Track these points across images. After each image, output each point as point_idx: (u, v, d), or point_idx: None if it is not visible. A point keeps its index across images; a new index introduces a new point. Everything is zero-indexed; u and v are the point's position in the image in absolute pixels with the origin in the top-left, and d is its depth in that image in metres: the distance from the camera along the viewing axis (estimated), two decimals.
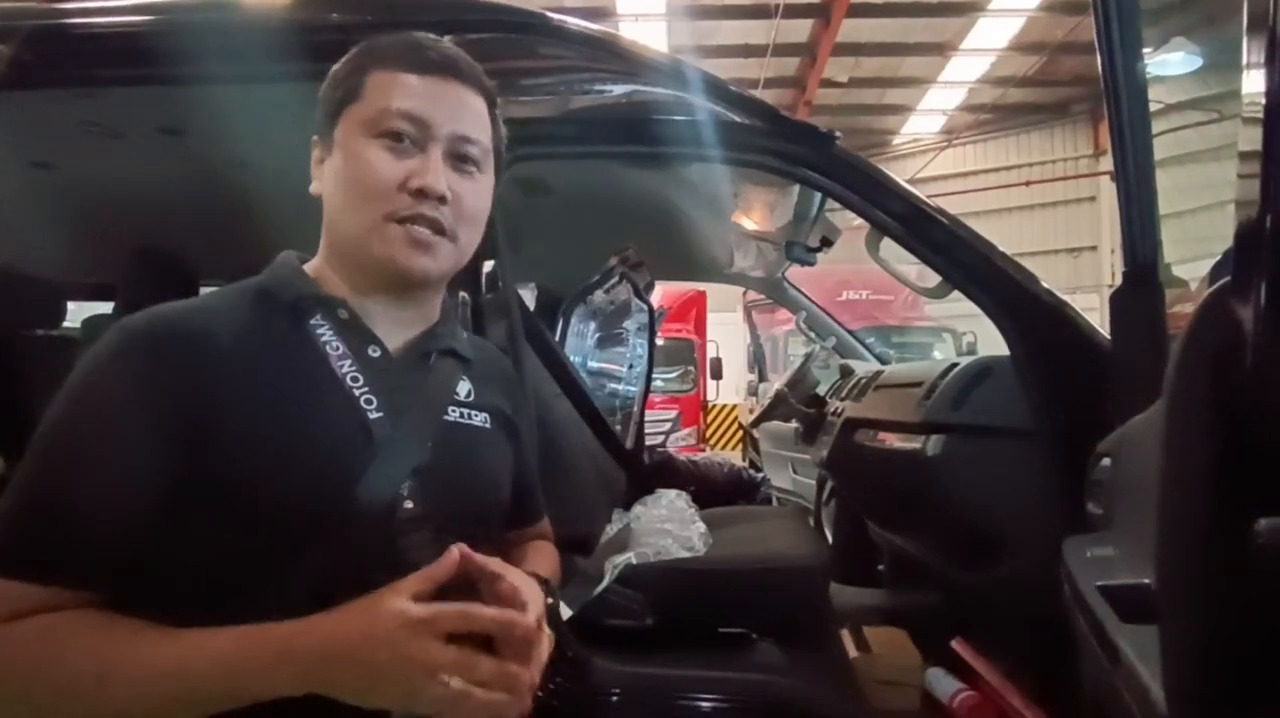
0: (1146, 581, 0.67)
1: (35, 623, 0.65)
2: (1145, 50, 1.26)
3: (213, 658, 0.64)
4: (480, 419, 0.86)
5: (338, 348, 0.77)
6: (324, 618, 0.65)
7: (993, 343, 1.65)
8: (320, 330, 0.78)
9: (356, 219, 0.78)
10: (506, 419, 0.91)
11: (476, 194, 0.82)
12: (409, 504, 0.75)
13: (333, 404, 0.76)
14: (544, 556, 1.01)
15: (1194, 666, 0.43)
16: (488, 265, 1.49)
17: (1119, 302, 1.29)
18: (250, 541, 0.70)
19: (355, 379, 0.77)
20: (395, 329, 0.82)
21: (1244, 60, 0.55)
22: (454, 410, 0.83)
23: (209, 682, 0.64)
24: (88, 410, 0.71)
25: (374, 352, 0.79)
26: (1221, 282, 0.44)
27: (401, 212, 0.77)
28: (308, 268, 0.84)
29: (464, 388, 0.86)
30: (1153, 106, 1.29)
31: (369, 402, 0.77)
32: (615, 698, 1.43)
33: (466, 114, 0.81)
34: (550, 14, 1.65)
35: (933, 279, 1.67)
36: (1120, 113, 1.24)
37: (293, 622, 0.65)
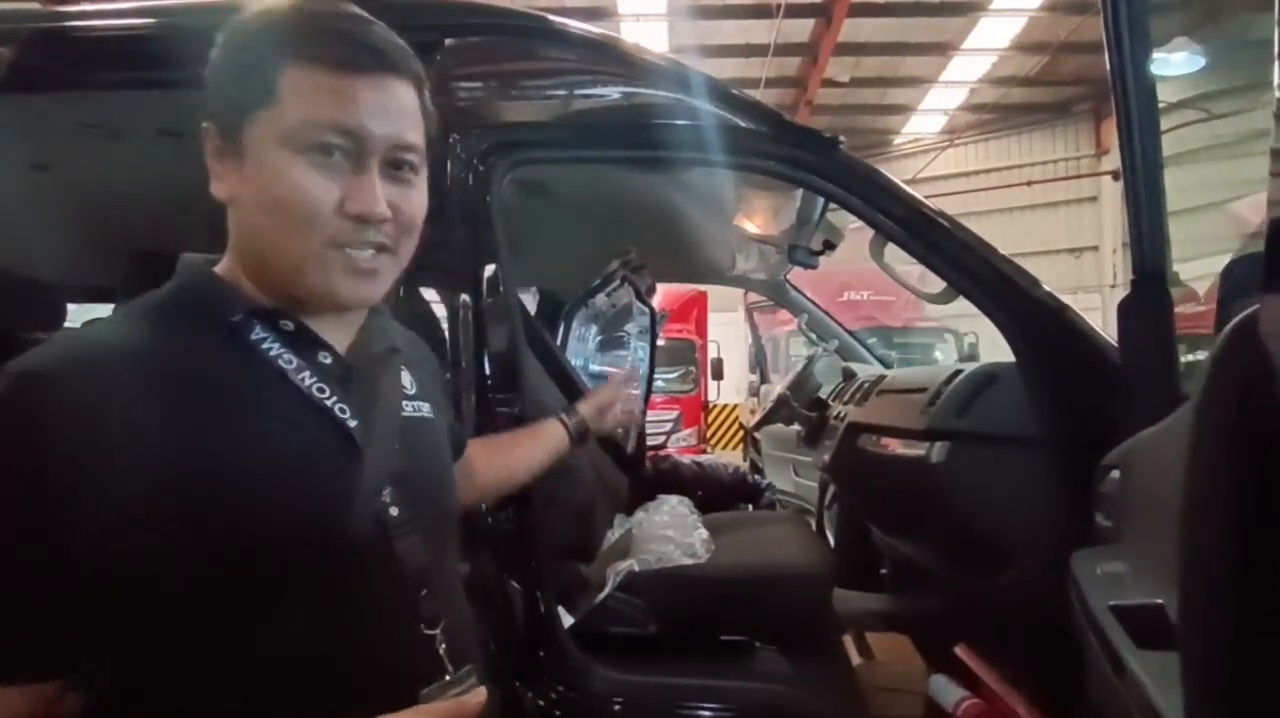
0: (1160, 601, 0.66)
1: None
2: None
3: None
4: (426, 410, 0.84)
5: (291, 361, 0.72)
6: None
7: (994, 344, 1.64)
8: (266, 345, 0.71)
9: (288, 246, 0.70)
10: (442, 405, 0.90)
11: (415, 202, 0.75)
12: (394, 510, 0.73)
13: (310, 421, 0.71)
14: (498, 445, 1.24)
15: (1217, 705, 0.42)
16: (489, 269, 1.48)
17: (1127, 309, 1.27)
18: (253, 578, 0.65)
19: (321, 390, 0.72)
20: (337, 330, 0.77)
21: (1275, 52, 0.52)
22: (407, 405, 0.81)
23: None
24: (18, 484, 0.60)
25: (325, 358, 0.75)
26: (1250, 309, 0.43)
27: (341, 238, 0.70)
28: (222, 273, 0.75)
29: (406, 379, 0.83)
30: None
31: (343, 410, 0.73)
32: (617, 707, 1.43)
33: (403, 116, 0.73)
34: (552, 17, 1.64)
35: (937, 284, 1.66)
36: (1129, 117, 1.23)
37: None
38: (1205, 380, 0.46)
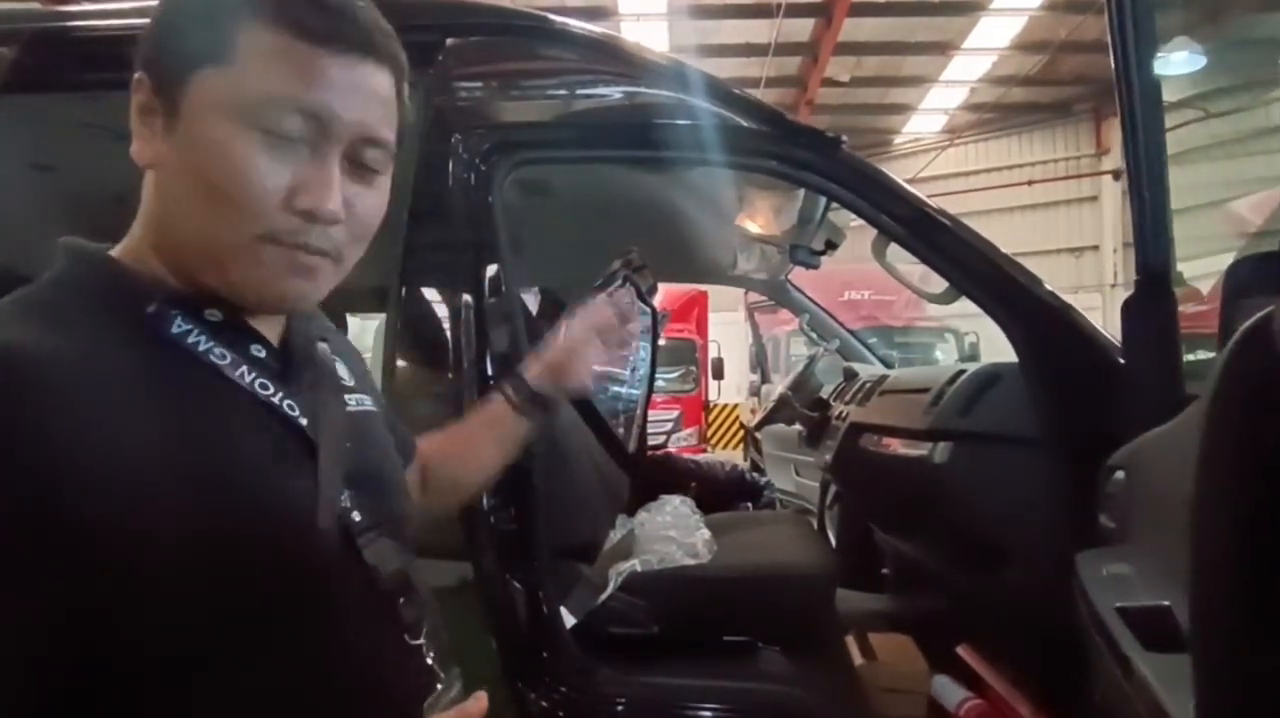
0: (1167, 603, 0.66)
1: None
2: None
3: None
4: (369, 403, 0.76)
5: (224, 355, 0.62)
6: None
7: (995, 343, 1.64)
8: (192, 339, 0.61)
9: (215, 232, 0.60)
10: (380, 398, 0.82)
11: (373, 204, 0.66)
12: (356, 515, 0.66)
13: (259, 421, 0.63)
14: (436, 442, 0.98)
15: (1230, 708, 0.41)
16: (491, 269, 1.47)
17: (1131, 310, 1.27)
18: (222, 604, 0.56)
19: (265, 386, 0.63)
20: (266, 321, 0.68)
21: None
22: (349, 399, 0.73)
23: None
24: None
25: (259, 351, 0.65)
26: (1265, 310, 0.43)
27: (282, 235, 0.60)
28: (124, 256, 0.64)
29: (343, 371, 0.75)
30: None
31: (291, 408, 0.64)
32: (620, 707, 1.42)
33: (376, 105, 0.63)
34: (553, 17, 1.64)
35: (939, 284, 1.66)
36: (1134, 116, 1.22)
37: None
38: (1216, 381, 0.46)
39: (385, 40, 0.64)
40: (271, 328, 0.68)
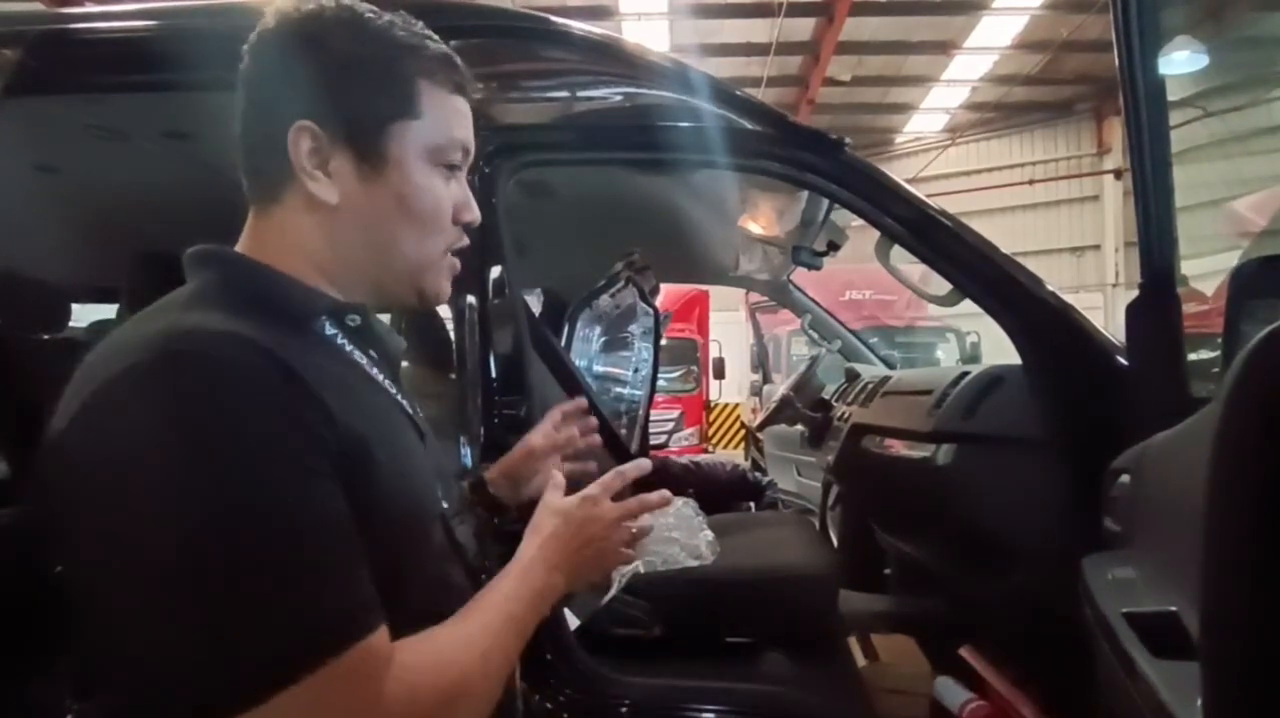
0: (1174, 608, 0.66)
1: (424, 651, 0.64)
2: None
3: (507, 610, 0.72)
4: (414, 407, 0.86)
5: (362, 357, 0.73)
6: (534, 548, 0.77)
7: (997, 343, 1.63)
8: (340, 341, 0.72)
9: (418, 252, 0.74)
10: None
11: None
12: (445, 503, 0.77)
13: (398, 414, 0.74)
14: None
15: (1240, 715, 0.41)
16: (494, 270, 1.47)
17: (1136, 312, 1.27)
18: (382, 554, 0.63)
19: (393, 386, 0.75)
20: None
21: None
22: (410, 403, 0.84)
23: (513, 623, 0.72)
24: (268, 451, 0.58)
25: (374, 354, 0.76)
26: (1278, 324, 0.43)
27: (453, 245, 0.77)
28: (275, 265, 0.72)
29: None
30: None
31: (410, 406, 0.77)
32: (623, 709, 1.42)
33: None
34: (555, 18, 1.64)
35: (941, 285, 1.66)
36: (1138, 117, 1.22)
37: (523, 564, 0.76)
38: (1229, 389, 0.46)
39: None
40: None
